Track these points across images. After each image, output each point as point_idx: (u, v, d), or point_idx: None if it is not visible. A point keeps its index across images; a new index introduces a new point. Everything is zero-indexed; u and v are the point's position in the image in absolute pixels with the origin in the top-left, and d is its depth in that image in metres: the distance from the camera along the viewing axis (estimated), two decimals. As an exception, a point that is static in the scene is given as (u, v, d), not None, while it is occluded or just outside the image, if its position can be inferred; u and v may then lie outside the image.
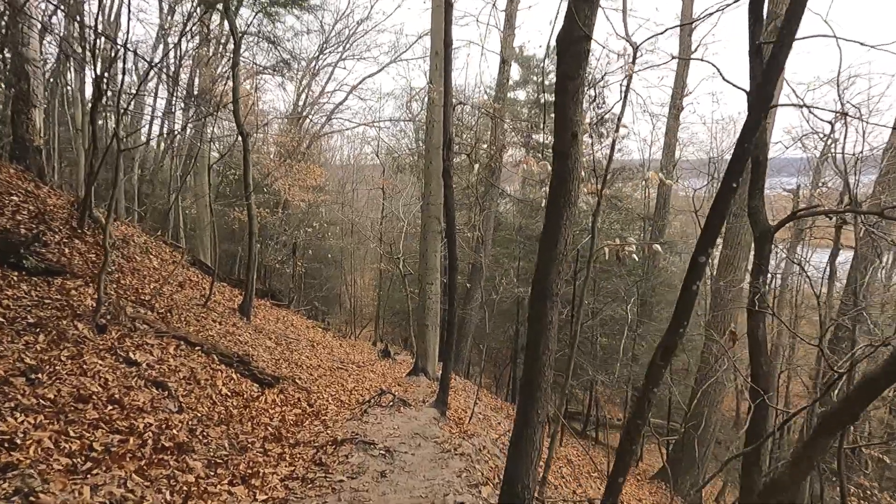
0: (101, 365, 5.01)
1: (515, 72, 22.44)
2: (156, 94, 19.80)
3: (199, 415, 5.27)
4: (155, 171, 22.24)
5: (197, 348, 6.84)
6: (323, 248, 25.58)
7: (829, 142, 19.14)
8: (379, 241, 21.23)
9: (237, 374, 6.97)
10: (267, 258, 20.10)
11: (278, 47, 20.33)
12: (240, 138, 10.32)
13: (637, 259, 4.89)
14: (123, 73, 9.10)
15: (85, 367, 4.81)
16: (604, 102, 21.69)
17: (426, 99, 12.50)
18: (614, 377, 16.71)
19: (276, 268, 21.13)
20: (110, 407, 4.40)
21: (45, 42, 13.41)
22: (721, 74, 5.79)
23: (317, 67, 25.55)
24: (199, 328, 8.23)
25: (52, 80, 14.77)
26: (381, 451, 5.61)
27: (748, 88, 3.36)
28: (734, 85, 4.73)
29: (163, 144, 21.67)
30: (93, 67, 9.01)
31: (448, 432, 7.04)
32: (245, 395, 6.55)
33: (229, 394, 6.32)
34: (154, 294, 8.13)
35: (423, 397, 9.51)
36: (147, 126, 21.61)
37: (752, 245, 14.68)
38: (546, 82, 22.65)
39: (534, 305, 3.40)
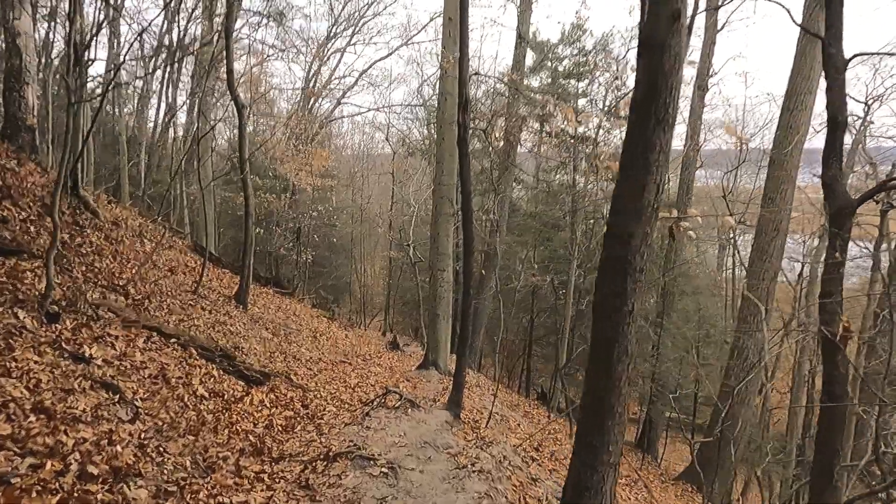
0: (35, 362, 3.98)
1: (529, 58, 21.21)
2: (157, 76, 18.87)
3: (160, 424, 4.23)
4: (163, 156, 21.38)
5: (172, 340, 5.81)
6: (331, 236, 24.57)
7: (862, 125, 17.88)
8: (388, 227, 20.14)
9: (219, 371, 5.94)
10: (273, 245, 19.13)
11: (284, 26, 19.29)
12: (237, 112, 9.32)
13: (694, 236, 3.98)
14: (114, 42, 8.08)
15: (12, 364, 3.79)
16: (623, 85, 20.52)
17: (438, 72, 11.37)
18: (638, 369, 15.59)
19: (284, 255, 20.17)
20: (32, 418, 3.37)
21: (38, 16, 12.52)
22: (791, 17, 4.64)
23: (326, 51, 24.49)
24: (182, 317, 7.21)
25: (43, 53, 13.82)
26: (383, 469, 4.54)
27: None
28: (809, 32, 3.66)
29: (170, 130, 20.74)
30: (70, 27, 7.97)
31: (463, 439, 5.98)
32: (226, 396, 5.51)
33: (206, 395, 5.29)
34: (133, 279, 7.12)
35: (434, 395, 8.46)
36: (154, 110, 20.76)
37: (789, 231, 13.40)
38: (560, 68, 21.50)
39: (605, 286, 2.31)
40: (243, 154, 9.54)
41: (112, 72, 14.81)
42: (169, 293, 8.07)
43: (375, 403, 6.43)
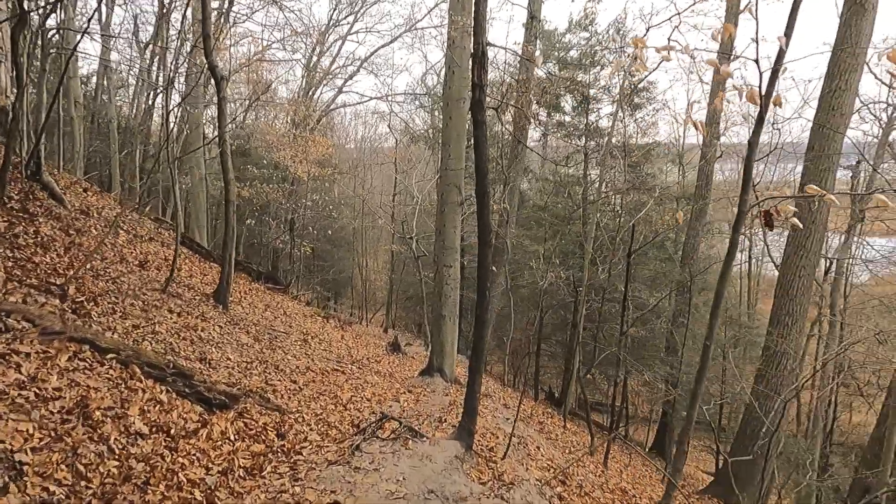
0: None
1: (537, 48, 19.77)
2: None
3: (52, 492, 2.91)
4: (154, 143, 20.09)
5: (110, 356, 4.48)
6: (331, 228, 23.24)
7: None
8: (391, 218, 18.78)
9: (170, 395, 4.61)
10: (269, 237, 17.81)
11: (281, 7, 17.92)
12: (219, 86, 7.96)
13: (800, 225, 2.90)
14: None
15: None
16: (638, 70, 19.04)
17: (445, 44, 10.00)
18: (655, 371, 14.26)
19: (282, 248, 18.86)
20: None
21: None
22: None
23: (327, 38, 23.09)
24: (138, 323, 5.88)
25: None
26: (373, 547, 3.22)
27: None
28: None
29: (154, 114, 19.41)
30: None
31: (477, 481, 4.66)
32: (174, 430, 4.19)
33: (146, 431, 3.96)
34: (79, 277, 5.80)
35: (440, 410, 7.13)
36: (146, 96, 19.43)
37: (827, 223, 12.03)
38: (567, 57, 20.06)
39: None
40: (222, 131, 8.18)
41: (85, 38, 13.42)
42: (130, 292, 6.75)
43: (368, 432, 5.10)
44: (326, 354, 9.14)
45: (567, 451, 8.59)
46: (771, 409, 11.18)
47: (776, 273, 28.56)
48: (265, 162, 18.08)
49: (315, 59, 23.46)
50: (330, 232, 17.68)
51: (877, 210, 16.52)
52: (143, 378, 4.54)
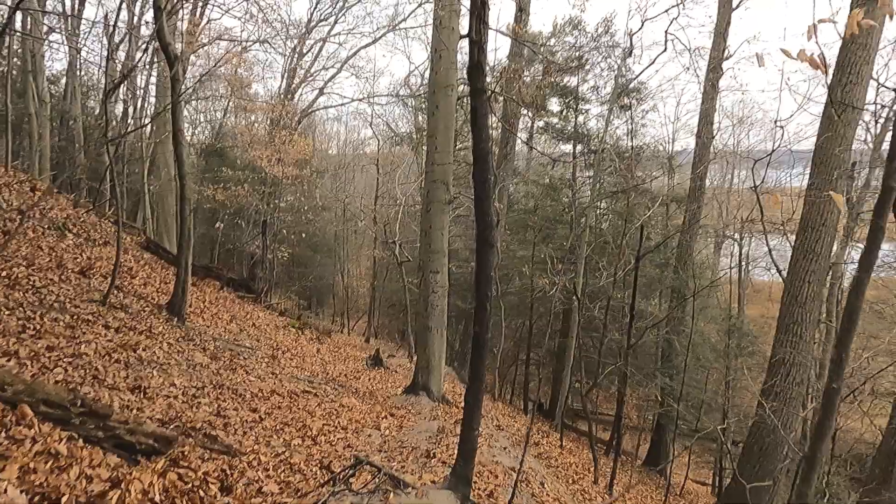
0: None
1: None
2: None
3: None
4: (126, 146, 18.73)
5: (-11, 394, 3.31)
6: (312, 233, 22.00)
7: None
8: (373, 221, 17.62)
9: (74, 442, 3.44)
10: (243, 241, 16.57)
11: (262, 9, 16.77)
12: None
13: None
14: None
15: None
16: (629, 70, 18.21)
17: (431, 24, 8.94)
18: (653, 382, 13.27)
19: (257, 253, 17.57)
20: None
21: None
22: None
23: (307, 37, 21.90)
24: (55, 344, 4.68)
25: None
26: None
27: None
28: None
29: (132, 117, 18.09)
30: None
31: (478, 549, 3.56)
32: (70, 496, 3.03)
33: (24, 502, 2.80)
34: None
35: (427, 441, 6.01)
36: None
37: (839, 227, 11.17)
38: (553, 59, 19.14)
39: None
40: (176, 118, 7.01)
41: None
42: (57, 305, 5.55)
43: (339, 484, 3.96)
44: (298, 373, 7.95)
45: (571, 482, 7.51)
46: (783, 424, 10.28)
47: (761, 279, 27.72)
48: (238, 163, 16.84)
49: (296, 59, 22.31)
50: (304, 234, 16.41)
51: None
52: (35, 422, 3.37)
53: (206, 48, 17.45)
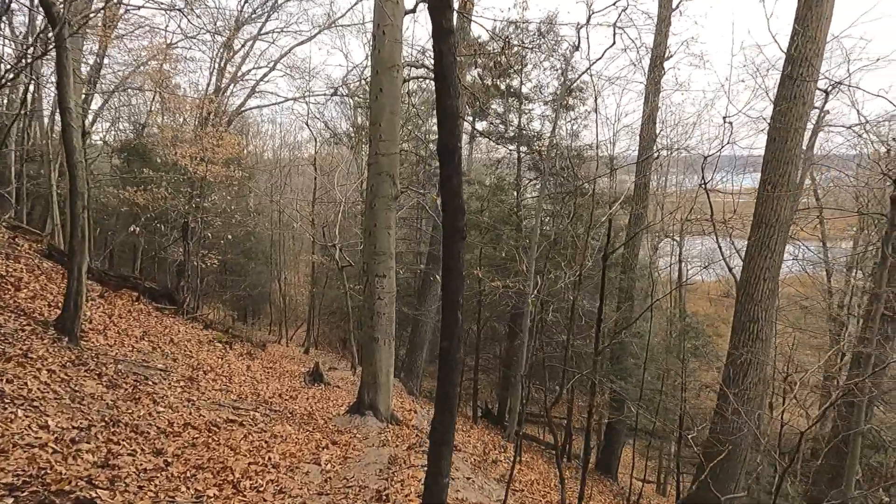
0: None
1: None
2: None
3: None
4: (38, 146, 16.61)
5: None
6: (242, 237, 20.34)
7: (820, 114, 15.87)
8: (311, 224, 16.30)
9: None
10: (160, 246, 14.90)
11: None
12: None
13: None
14: None
15: None
16: (572, 69, 17.77)
17: (368, 43, 7.94)
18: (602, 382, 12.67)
19: (177, 260, 15.86)
20: None
21: None
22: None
23: (237, 29, 20.26)
24: None
25: None
26: None
27: None
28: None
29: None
30: None
31: None
32: None
33: None
34: None
35: (377, 478, 4.97)
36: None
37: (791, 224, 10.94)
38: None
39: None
40: (63, 98, 5.68)
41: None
42: None
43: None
44: (222, 397, 6.69)
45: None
46: (739, 427, 9.86)
47: (695, 279, 28.08)
48: (159, 161, 15.16)
49: (225, 57, 20.62)
50: (231, 237, 14.88)
51: (805, 211, 16.09)
52: None
53: (123, 39, 15.75)
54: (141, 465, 4.08)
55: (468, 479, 5.53)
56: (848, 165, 16.79)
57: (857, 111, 17.83)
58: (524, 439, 16.02)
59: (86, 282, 6.27)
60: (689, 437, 7.94)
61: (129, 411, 5.00)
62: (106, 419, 4.60)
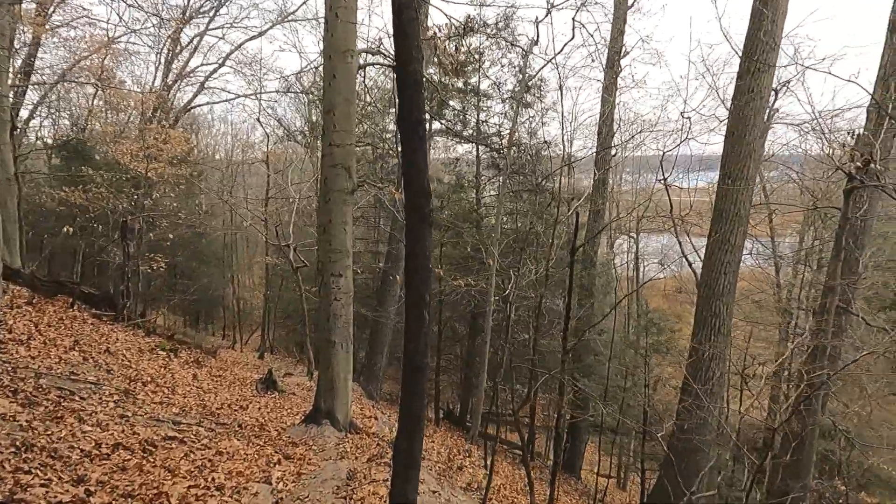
0: None
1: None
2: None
3: None
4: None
5: None
6: (192, 239, 19.35)
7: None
8: (264, 224, 15.54)
9: None
10: (103, 250, 13.90)
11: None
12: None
13: None
14: None
15: None
16: (529, 66, 17.56)
17: (320, 41, 7.39)
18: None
19: (115, 262, 14.83)
20: None
21: None
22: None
23: (184, 23, 19.21)
24: None
25: None
26: None
27: None
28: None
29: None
30: None
31: None
32: None
33: None
34: None
35: (334, 497, 4.50)
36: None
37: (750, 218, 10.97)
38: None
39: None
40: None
41: None
42: None
43: None
44: (162, 411, 6.05)
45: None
46: (705, 421, 9.78)
47: (656, 276, 28.45)
48: (98, 158, 14.15)
49: (171, 52, 19.53)
50: (173, 236, 13.96)
51: (758, 206, 16.37)
52: None
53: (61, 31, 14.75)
54: (55, 497, 3.49)
55: (434, 492, 5.10)
56: (794, 163, 17.14)
57: (812, 106, 18.18)
58: (486, 439, 15.74)
59: None
60: (658, 434, 7.72)
61: (48, 433, 4.37)
62: (17, 444, 3.96)
